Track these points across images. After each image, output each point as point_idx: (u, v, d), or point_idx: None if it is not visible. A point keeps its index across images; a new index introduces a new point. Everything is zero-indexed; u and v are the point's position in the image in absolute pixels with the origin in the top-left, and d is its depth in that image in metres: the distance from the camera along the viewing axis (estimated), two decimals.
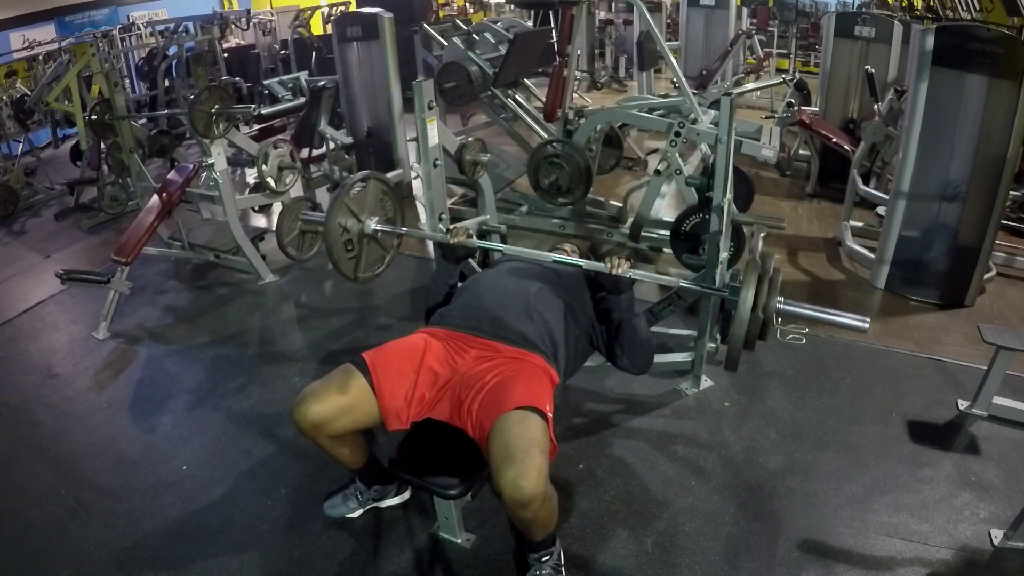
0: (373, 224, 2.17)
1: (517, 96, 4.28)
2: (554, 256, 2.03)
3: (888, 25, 4.46)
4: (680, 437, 2.40)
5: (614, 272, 1.89)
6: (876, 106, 4.05)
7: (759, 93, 7.17)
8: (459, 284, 2.15)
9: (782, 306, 1.80)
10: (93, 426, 2.61)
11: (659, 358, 2.69)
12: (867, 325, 1.77)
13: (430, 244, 4.05)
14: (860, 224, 3.94)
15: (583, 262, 1.96)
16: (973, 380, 2.52)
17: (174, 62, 7.18)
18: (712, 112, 3.49)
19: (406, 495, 2.11)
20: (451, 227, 2.14)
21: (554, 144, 3.69)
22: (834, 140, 4.43)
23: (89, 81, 5.49)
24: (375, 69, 4.59)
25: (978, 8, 6.26)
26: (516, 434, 1.53)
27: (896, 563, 1.87)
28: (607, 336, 2.02)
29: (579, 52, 4.45)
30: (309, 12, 8.83)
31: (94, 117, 4.60)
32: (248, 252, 3.65)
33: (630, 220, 3.85)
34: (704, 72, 5.90)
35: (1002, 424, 2.41)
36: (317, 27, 9.15)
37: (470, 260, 2.45)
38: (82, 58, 5.05)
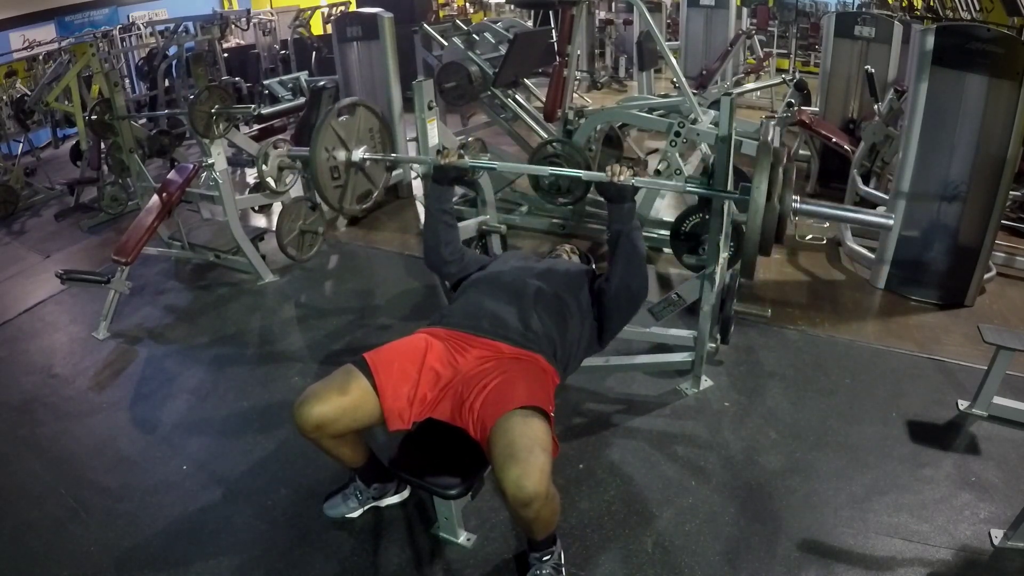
0: (360, 152, 2.13)
1: (517, 96, 4.28)
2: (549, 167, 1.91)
3: (888, 25, 4.46)
4: (680, 437, 2.40)
5: (616, 180, 1.86)
6: (876, 106, 4.05)
7: (759, 93, 7.17)
8: (458, 284, 2.15)
9: (798, 204, 1.64)
10: (93, 426, 2.61)
11: (659, 358, 2.70)
12: (892, 221, 1.63)
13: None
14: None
15: (584, 173, 1.91)
16: (973, 380, 2.52)
17: (174, 62, 7.18)
18: (712, 112, 3.49)
19: (405, 493, 2.11)
20: (442, 149, 2.10)
21: (554, 144, 3.68)
22: (834, 140, 4.43)
23: (89, 81, 5.49)
24: (375, 69, 4.59)
25: (978, 8, 6.26)
26: (519, 433, 1.54)
27: (896, 563, 1.87)
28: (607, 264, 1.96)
29: (579, 52, 4.45)
30: (309, 12, 8.83)
31: (94, 117, 4.60)
32: (248, 252, 3.65)
33: None
34: (704, 72, 5.90)
35: (1002, 424, 2.41)
36: (317, 27, 9.16)
37: (476, 252, 2.43)
38: (82, 58, 5.05)
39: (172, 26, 7.67)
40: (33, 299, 3.70)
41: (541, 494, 1.48)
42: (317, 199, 4.09)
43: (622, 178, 1.87)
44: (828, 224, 1.65)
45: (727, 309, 2.54)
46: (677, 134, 3.28)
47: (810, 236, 1.72)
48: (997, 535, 1.93)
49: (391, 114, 4.58)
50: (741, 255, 1.72)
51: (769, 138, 1.78)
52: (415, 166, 4.73)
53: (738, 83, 6.57)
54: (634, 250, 1.92)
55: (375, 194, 2.22)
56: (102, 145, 4.91)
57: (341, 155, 2.07)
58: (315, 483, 2.19)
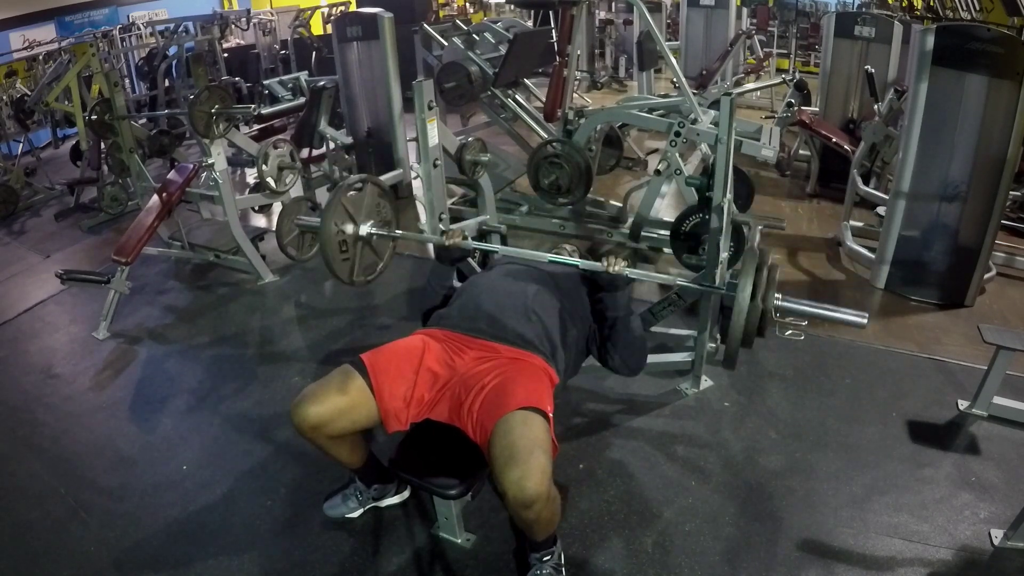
0: (368, 227, 2.16)
1: (517, 96, 4.28)
2: (550, 256, 2.03)
3: (888, 25, 4.46)
4: (680, 437, 2.40)
5: (611, 271, 1.89)
6: (876, 106, 4.05)
7: (759, 93, 7.17)
8: (458, 284, 2.15)
9: (780, 302, 1.80)
10: (93, 426, 2.61)
11: (659, 358, 2.70)
12: (865, 320, 1.76)
13: (430, 245, 4.05)
14: (860, 224, 3.93)
15: (580, 262, 1.96)
16: (973, 380, 2.52)
17: (174, 62, 7.18)
18: (712, 112, 3.49)
19: (406, 494, 2.11)
20: (447, 229, 2.13)
21: (554, 144, 3.69)
22: (834, 140, 4.43)
23: (89, 81, 5.49)
24: (375, 69, 4.59)
25: (978, 8, 6.26)
26: (519, 434, 1.53)
27: (896, 563, 1.87)
28: (600, 336, 2.02)
29: (579, 52, 4.45)
30: (309, 12, 8.83)
31: (94, 117, 4.60)
32: (248, 252, 3.65)
33: (630, 220, 3.85)
34: (704, 72, 5.89)
35: (1002, 424, 2.41)
36: (317, 27, 9.15)
37: (470, 260, 2.45)
38: (82, 58, 5.05)
39: (172, 26, 7.67)
40: (33, 299, 3.70)
41: (542, 495, 1.48)
42: (317, 199, 4.10)
43: (616, 268, 1.89)
44: (807, 322, 1.77)
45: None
46: (677, 134, 3.28)
47: (789, 332, 1.81)
48: (997, 535, 1.93)
49: (391, 114, 4.59)
50: (726, 347, 1.87)
51: (755, 244, 1.92)
52: (415, 165, 4.73)
53: (738, 83, 6.57)
54: (631, 336, 1.98)
55: (380, 267, 2.26)
56: (102, 145, 4.91)
57: (349, 229, 2.12)
58: (315, 483, 2.19)
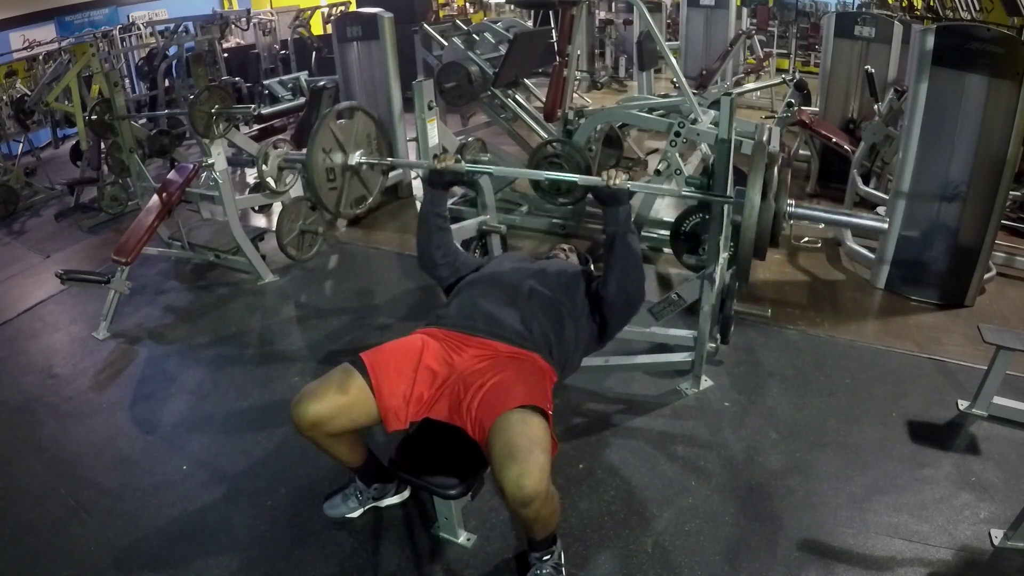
0: (357, 156, 2.12)
1: (517, 96, 4.28)
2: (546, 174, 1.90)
3: (888, 25, 4.46)
4: (680, 437, 2.40)
5: (611, 184, 1.86)
6: (876, 106, 4.05)
7: (759, 93, 7.17)
8: (457, 284, 2.15)
9: (793, 208, 1.67)
10: (93, 426, 2.61)
11: (659, 358, 2.70)
12: (886, 225, 1.63)
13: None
14: None
15: (579, 177, 1.90)
16: (973, 380, 2.52)
17: (174, 62, 7.18)
18: (712, 112, 3.49)
19: (406, 494, 2.11)
20: (438, 153, 2.11)
21: (554, 144, 3.68)
22: (834, 140, 4.43)
23: (89, 81, 5.48)
24: (375, 69, 4.59)
25: (978, 8, 6.25)
26: (518, 433, 1.54)
27: (896, 563, 1.87)
28: (602, 268, 1.97)
29: (579, 52, 4.45)
30: (309, 12, 8.83)
31: (94, 117, 4.60)
32: (248, 252, 3.65)
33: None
34: (704, 72, 5.90)
35: (1002, 424, 2.40)
36: (317, 27, 9.16)
37: (472, 256, 2.44)
38: (82, 58, 5.04)
39: (172, 26, 7.67)
40: (33, 299, 3.70)
41: (541, 493, 1.48)
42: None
43: (617, 182, 1.86)
44: (823, 226, 1.64)
45: (727, 309, 2.55)
46: (677, 134, 3.28)
47: (805, 239, 1.72)
48: (997, 535, 1.93)
49: (391, 114, 4.59)
50: (737, 258, 1.73)
51: (765, 139, 1.78)
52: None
53: (738, 83, 6.56)
54: (630, 254, 1.91)
55: (370, 199, 2.22)
56: (102, 145, 4.91)
57: (338, 158, 2.06)
58: (315, 483, 2.19)
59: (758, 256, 1.64)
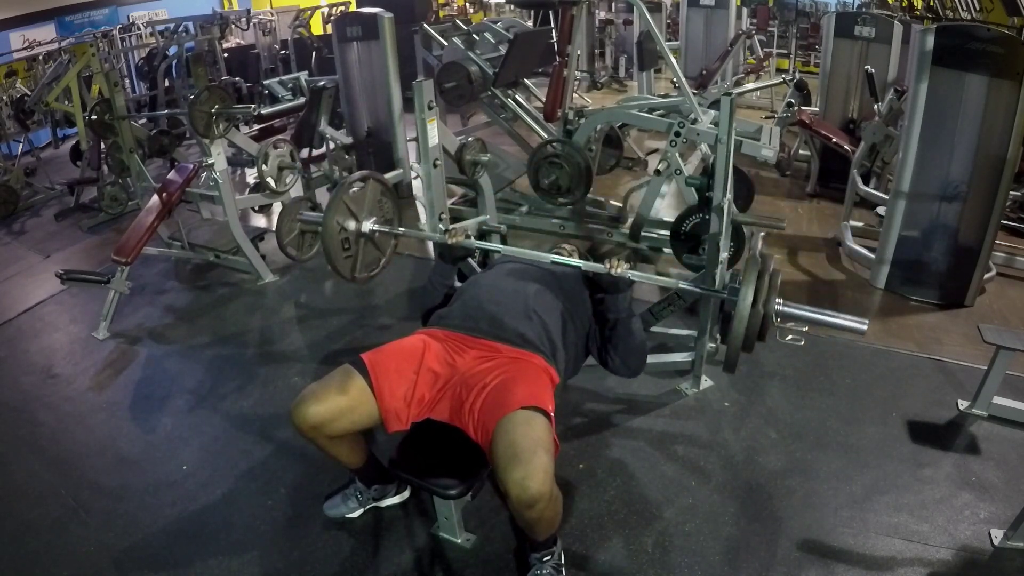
0: (370, 224, 2.16)
1: (517, 96, 4.27)
2: (553, 257, 2.03)
3: (888, 25, 4.46)
4: (680, 437, 2.40)
5: (613, 272, 1.89)
6: (876, 106, 4.05)
7: (759, 93, 7.17)
8: (458, 284, 2.15)
9: (781, 307, 1.80)
10: (93, 426, 2.61)
11: (659, 358, 2.70)
12: (865, 327, 1.78)
13: (430, 244, 4.05)
14: (860, 224, 3.93)
15: (581, 263, 1.96)
16: (973, 380, 2.52)
17: (174, 62, 7.18)
18: (712, 112, 3.48)
19: (406, 494, 2.11)
20: (449, 228, 2.14)
21: (554, 144, 3.68)
22: (834, 140, 4.43)
23: (89, 81, 5.49)
24: (375, 69, 4.59)
25: (978, 8, 6.25)
26: (521, 434, 1.54)
27: (896, 563, 1.87)
28: (600, 337, 2.02)
29: (579, 52, 4.44)
30: (309, 12, 8.83)
31: (94, 117, 4.59)
32: (248, 252, 3.65)
33: (630, 220, 3.85)
34: (704, 72, 5.89)
35: (1002, 424, 2.41)
36: (317, 27, 9.15)
37: (470, 260, 2.45)
38: (82, 58, 5.04)
39: (172, 26, 7.67)
40: (33, 299, 3.70)
41: (545, 495, 1.48)
42: (316, 199, 4.10)
43: (618, 271, 1.88)
44: (807, 328, 1.78)
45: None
46: (677, 134, 3.27)
47: (789, 337, 1.83)
48: (997, 535, 1.93)
49: (391, 114, 4.59)
50: (726, 351, 1.87)
51: (758, 252, 1.92)
52: (415, 165, 4.73)
53: (738, 83, 6.56)
54: (631, 338, 1.97)
55: (383, 262, 2.27)
56: (102, 145, 4.91)
57: (351, 226, 2.12)
58: (315, 483, 2.19)
59: (747, 350, 1.81)
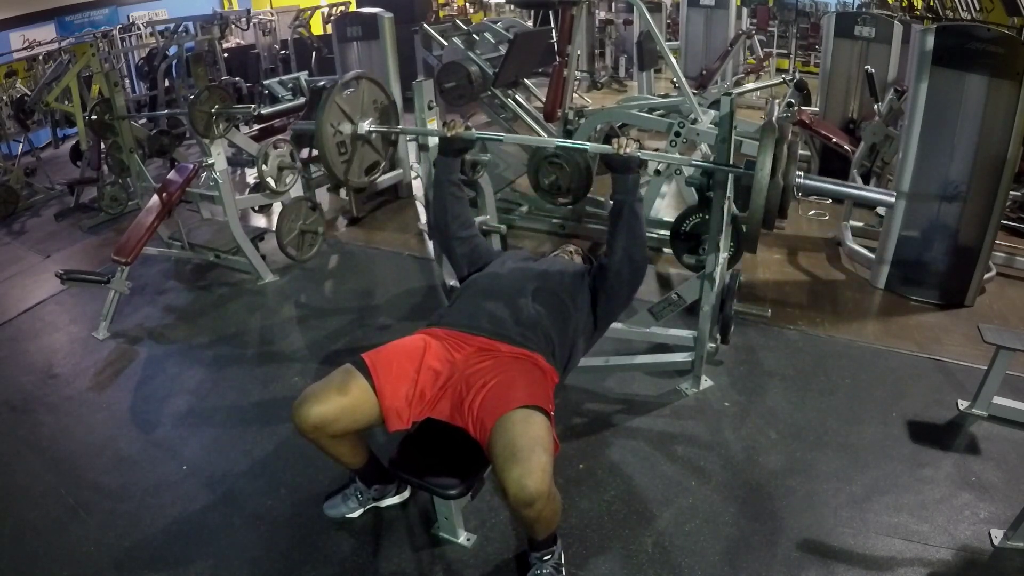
0: (366, 125, 2.12)
1: (517, 96, 4.27)
2: (559, 141, 1.86)
3: (888, 25, 4.46)
4: (680, 437, 2.40)
5: (622, 152, 1.88)
6: (876, 106, 4.05)
7: (759, 93, 7.17)
8: (458, 285, 2.15)
9: (802, 180, 1.67)
10: (93, 426, 2.61)
11: (659, 358, 2.70)
12: (893, 199, 1.64)
13: (430, 244, 4.06)
14: (860, 224, 3.94)
15: (590, 145, 1.93)
16: (973, 380, 2.52)
17: (174, 62, 7.18)
18: (712, 112, 3.49)
19: (406, 494, 2.11)
20: (448, 120, 2.13)
21: None
22: (834, 140, 4.43)
23: (89, 81, 5.48)
24: (375, 69, 4.59)
25: (978, 8, 6.25)
26: (520, 433, 1.54)
27: (896, 563, 1.87)
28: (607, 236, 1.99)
29: (579, 52, 4.45)
30: (309, 12, 8.83)
31: (94, 117, 4.60)
32: (248, 252, 3.65)
33: None
34: (704, 72, 5.90)
35: (1002, 424, 2.40)
36: (317, 27, 9.16)
37: (482, 245, 2.43)
38: (82, 58, 5.04)
39: (172, 26, 7.67)
40: (33, 299, 3.70)
41: (543, 493, 1.48)
42: (316, 199, 4.10)
43: (628, 150, 1.88)
44: (831, 200, 1.65)
45: (727, 309, 2.55)
46: (677, 134, 3.28)
47: (812, 212, 1.73)
48: (997, 535, 1.93)
49: None
50: (744, 232, 1.73)
51: (774, 117, 1.79)
52: (416, 168, 4.74)
53: (738, 83, 6.56)
54: (636, 220, 1.93)
55: (382, 164, 2.23)
56: (102, 145, 4.91)
57: (347, 128, 2.06)
58: (315, 483, 2.19)
59: (767, 227, 1.66)
